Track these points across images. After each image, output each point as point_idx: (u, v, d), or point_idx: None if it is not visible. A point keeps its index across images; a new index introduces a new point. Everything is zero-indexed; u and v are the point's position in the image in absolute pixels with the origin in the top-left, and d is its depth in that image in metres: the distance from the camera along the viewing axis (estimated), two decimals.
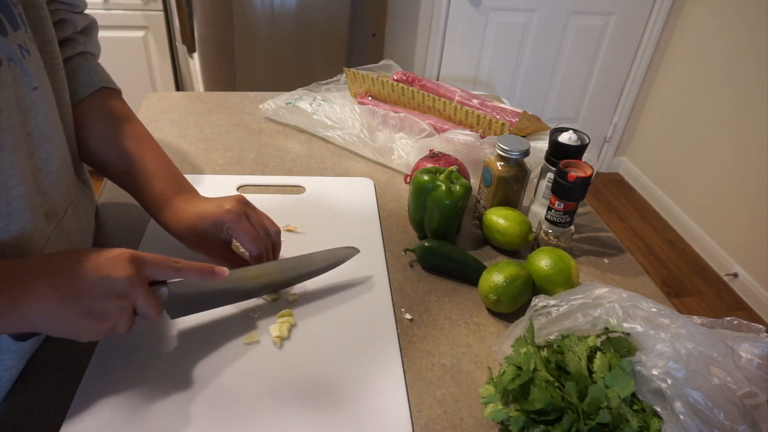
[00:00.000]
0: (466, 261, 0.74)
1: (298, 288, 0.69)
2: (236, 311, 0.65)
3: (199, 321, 0.63)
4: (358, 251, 0.71)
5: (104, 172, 0.70)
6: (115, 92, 0.72)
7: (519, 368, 0.54)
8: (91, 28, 0.71)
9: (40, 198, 0.55)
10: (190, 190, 0.69)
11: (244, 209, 0.65)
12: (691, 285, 2.30)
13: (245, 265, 0.65)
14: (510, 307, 0.68)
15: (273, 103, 1.09)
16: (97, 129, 0.68)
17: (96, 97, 0.69)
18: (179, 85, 2.15)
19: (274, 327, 0.63)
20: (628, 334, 0.53)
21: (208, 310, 0.62)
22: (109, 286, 0.48)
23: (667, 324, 0.52)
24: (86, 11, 0.72)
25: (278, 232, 0.68)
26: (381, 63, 1.17)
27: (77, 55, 0.69)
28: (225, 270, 0.56)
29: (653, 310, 0.54)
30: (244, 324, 0.64)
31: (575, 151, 0.78)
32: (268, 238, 0.66)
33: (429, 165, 0.82)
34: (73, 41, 0.68)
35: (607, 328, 0.54)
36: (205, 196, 0.69)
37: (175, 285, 0.55)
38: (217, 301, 0.62)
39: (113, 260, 0.49)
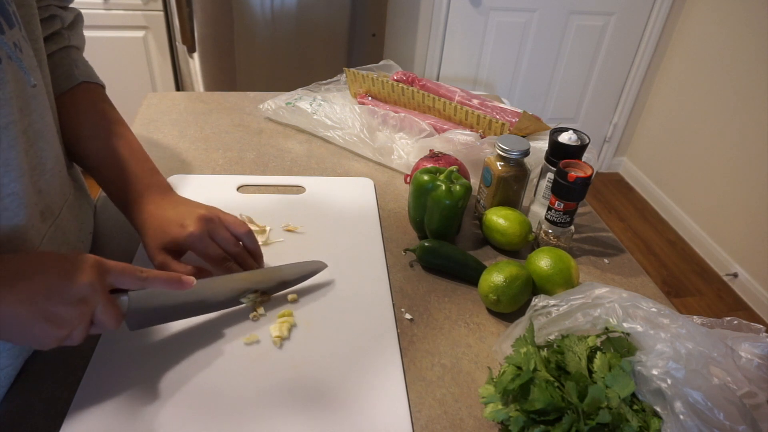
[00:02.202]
0: (466, 261, 0.74)
1: (298, 288, 0.69)
2: (236, 312, 0.65)
3: (199, 321, 0.63)
4: (326, 266, 0.70)
5: (83, 168, 0.70)
6: (96, 87, 0.72)
7: (519, 368, 0.54)
8: (77, 21, 0.71)
9: (35, 196, 0.55)
10: (160, 190, 0.68)
11: (207, 228, 0.63)
12: (691, 285, 2.30)
13: (210, 275, 0.63)
14: (510, 307, 0.68)
15: (273, 103, 1.09)
16: (72, 124, 0.67)
17: (75, 92, 0.69)
18: (179, 85, 2.15)
19: (274, 327, 0.63)
20: (628, 334, 0.53)
21: (170, 322, 0.60)
22: (70, 291, 0.46)
23: (667, 324, 0.52)
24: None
25: (249, 233, 0.67)
26: (381, 63, 1.17)
27: (60, 50, 0.69)
28: (192, 279, 0.55)
29: (653, 310, 0.54)
30: (244, 324, 0.64)
31: (575, 151, 0.78)
32: (237, 248, 0.65)
33: (429, 165, 0.82)
34: (58, 35, 0.68)
35: (607, 328, 0.54)
36: (180, 196, 0.69)
37: (137, 295, 0.54)
38: (181, 313, 0.60)
39: (76, 264, 0.47)
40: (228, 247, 0.64)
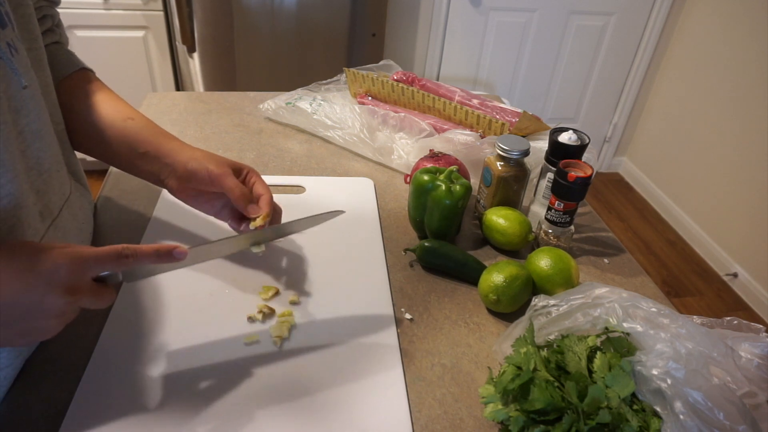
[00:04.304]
0: (466, 261, 0.74)
1: (299, 289, 0.69)
2: (236, 312, 0.65)
3: (199, 320, 0.63)
4: (344, 212, 0.67)
5: (90, 151, 0.71)
6: (93, 73, 0.75)
7: (519, 368, 0.54)
8: (60, 21, 0.74)
9: (33, 197, 0.55)
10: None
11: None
12: (691, 285, 2.30)
13: (243, 217, 0.67)
14: (510, 307, 0.68)
15: (273, 103, 1.09)
16: (79, 100, 0.69)
17: (76, 77, 0.71)
18: (179, 85, 2.15)
19: (274, 327, 0.63)
20: (628, 334, 0.53)
21: (171, 270, 0.55)
22: (44, 309, 0.44)
23: (667, 324, 0.52)
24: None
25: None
26: (381, 63, 1.17)
27: (54, 43, 0.71)
28: (184, 249, 0.51)
29: (653, 310, 0.54)
30: (244, 324, 0.64)
31: (575, 151, 0.78)
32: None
33: (429, 165, 0.82)
34: (51, 32, 0.70)
35: (607, 328, 0.54)
36: None
37: None
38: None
39: (48, 276, 0.44)
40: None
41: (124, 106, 0.71)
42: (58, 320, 0.46)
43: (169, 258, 0.51)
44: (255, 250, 0.63)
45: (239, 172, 0.69)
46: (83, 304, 0.47)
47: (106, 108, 0.69)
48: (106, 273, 0.49)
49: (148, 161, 0.68)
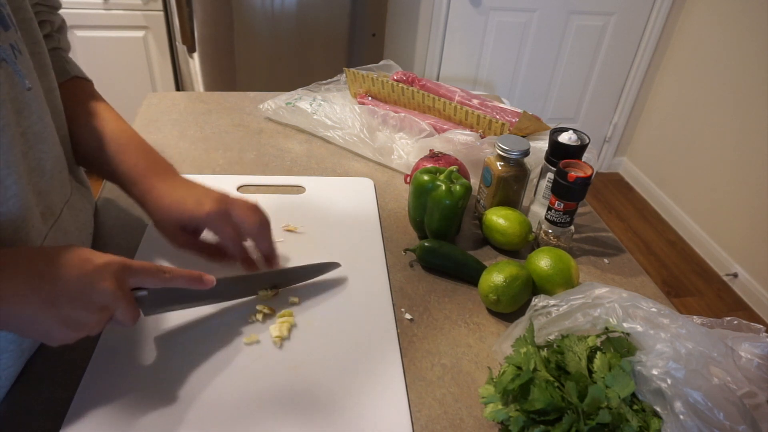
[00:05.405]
0: (466, 261, 0.74)
1: (299, 289, 0.69)
2: (236, 312, 0.65)
3: (200, 320, 0.63)
4: (339, 265, 0.71)
5: (78, 155, 0.70)
6: (87, 82, 0.74)
7: (519, 368, 0.54)
8: (63, 26, 0.73)
9: (35, 197, 0.55)
10: (166, 170, 0.67)
11: (225, 209, 0.63)
12: (691, 285, 2.30)
13: (223, 255, 0.66)
14: (510, 307, 0.68)
15: (273, 103, 1.09)
16: (68, 114, 0.68)
17: (69, 85, 0.70)
18: (179, 85, 2.15)
19: (274, 327, 0.63)
20: (628, 334, 0.53)
21: (183, 309, 0.61)
22: (92, 298, 0.47)
23: (667, 324, 0.52)
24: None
25: (265, 221, 0.67)
26: (381, 63, 1.17)
27: (51, 50, 0.69)
28: (213, 279, 0.57)
29: (653, 310, 0.54)
30: (244, 324, 0.64)
31: (575, 151, 0.78)
32: (255, 229, 0.65)
33: (429, 165, 0.82)
34: (48, 37, 0.69)
35: (607, 328, 0.54)
36: (188, 179, 0.68)
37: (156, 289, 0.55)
38: (196, 300, 0.62)
39: (101, 270, 0.48)
40: (245, 227, 0.64)
41: (103, 128, 0.68)
42: (98, 316, 0.48)
43: (200, 284, 0.55)
44: (259, 293, 0.68)
45: (203, 226, 0.64)
46: (120, 308, 0.50)
47: (80, 136, 0.68)
48: (140, 291, 0.53)
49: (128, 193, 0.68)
